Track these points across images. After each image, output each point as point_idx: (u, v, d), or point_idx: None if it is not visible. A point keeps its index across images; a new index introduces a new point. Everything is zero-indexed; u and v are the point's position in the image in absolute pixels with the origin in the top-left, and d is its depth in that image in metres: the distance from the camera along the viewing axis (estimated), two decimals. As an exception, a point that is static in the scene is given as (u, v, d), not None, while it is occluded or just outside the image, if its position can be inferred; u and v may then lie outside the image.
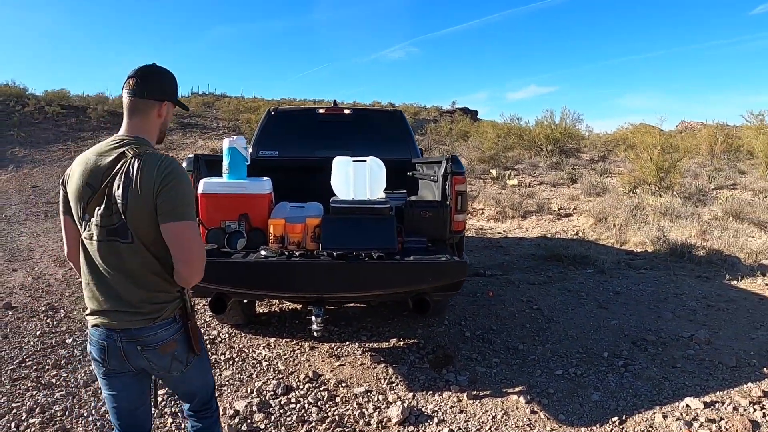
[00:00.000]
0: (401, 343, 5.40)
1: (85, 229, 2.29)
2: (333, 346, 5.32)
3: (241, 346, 5.38)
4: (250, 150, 6.55)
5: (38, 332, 5.71)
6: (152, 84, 2.36)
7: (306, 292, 4.28)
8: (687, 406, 4.14)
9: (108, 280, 2.28)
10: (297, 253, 4.19)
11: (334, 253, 4.11)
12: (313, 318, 4.29)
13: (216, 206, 4.46)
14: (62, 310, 6.40)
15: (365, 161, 4.77)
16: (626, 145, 20.50)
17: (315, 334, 4.31)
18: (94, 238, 2.25)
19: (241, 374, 4.78)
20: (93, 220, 2.24)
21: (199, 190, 4.46)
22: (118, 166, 2.21)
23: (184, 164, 4.87)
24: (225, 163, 4.60)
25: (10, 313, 6.32)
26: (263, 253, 4.21)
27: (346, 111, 7.12)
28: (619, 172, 17.55)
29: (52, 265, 8.47)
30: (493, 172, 17.52)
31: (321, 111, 7.11)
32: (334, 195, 4.83)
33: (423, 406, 4.21)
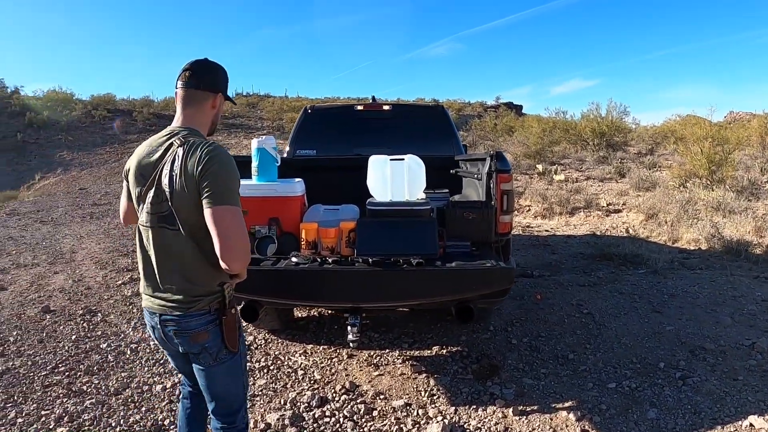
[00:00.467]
0: (444, 351, 5.11)
1: (140, 216, 2.42)
2: (372, 353, 5.06)
3: (276, 353, 5.17)
4: (287, 149, 6.34)
5: (74, 337, 5.63)
6: (208, 76, 2.47)
7: (340, 301, 4.01)
8: (750, 425, 3.76)
9: (154, 266, 2.39)
10: (330, 260, 3.91)
11: (370, 260, 3.81)
12: (349, 328, 4.01)
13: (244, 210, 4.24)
14: (99, 314, 6.31)
15: (403, 159, 4.45)
16: (675, 138, 19.71)
17: (351, 345, 4.04)
18: (147, 224, 2.37)
19: (276, 384, 4.57)
20: (145, 207, 2.36)
21: None
22: (166, 156, 2.31)
23: None
24: (254, 164, 4.36)
25: (48, 316, 6.27)
26: (294, 259, 3.95)
27: (386, 107, 6.82)
28: (669, 166, 16.86)
29: (93, 268, 8.43)
30: (540, 167, 17.00)
31: (359, 108, 6.83)
32: (371, 196, 4.54)
33: (465, 423, 3.91)
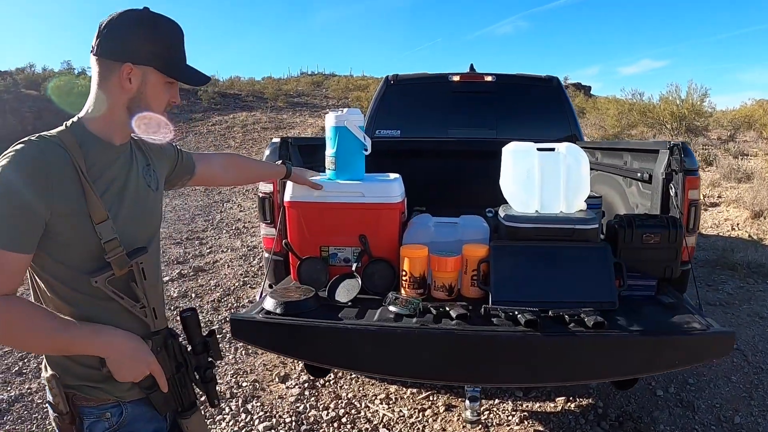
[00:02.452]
0: (571, 406, 3.54)
1: None
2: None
3: (349, 395, 3.67)
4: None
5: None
6: (112, 35, 1.40)
7: (468, 381, 2.39)
8: None
9: None
10: (452, 313, 2.24)
11: (518, 316, 2.19)
12: (467, 402, 2.45)
13: (313, 223, 2.65)
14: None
15: (555, 150, 2.75)
16: None
17: (468, 426, 2.46)
18: None
19: (352, 446, 3.10)
20: None
21: (286, 197, 2.69)
22: None
23: (267, 152, 3.08)
24: (329, 152, 2.70)
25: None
26: (393, 309, 2.31)
27: (488, 78, 5.16)
28: (755, 154, 14.94)
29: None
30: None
31: (455, 78, 5.18)
32: (504, 202, 2.88)
33: None
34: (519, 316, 2.13)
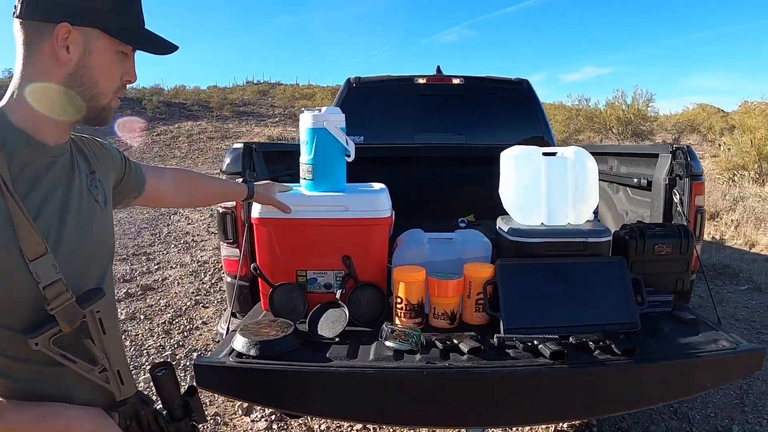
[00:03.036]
0: (563, 425, 3.25)
1: None
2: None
3: (323, 428, 3.28)
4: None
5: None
6: None
7: (485, 425, 2.04)
8: None
9: None
10: (462, 346, 1.86)
11: (540, 346, 1.83)
12: None
13: (287, 243, 2.24)
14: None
15: (559, 154, 2.41)
16: (726, 127, 17.91)
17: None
18: None
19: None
20: None
21: (254, 212, 2.25)
22: None
23: (227, 160, 2.65)
24: (304, 159, 2.29)
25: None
26: (389, 344, 1.90)
27: (456, 80, 4.86)
28: (702, 156, 15.29)
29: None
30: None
31: (421, 81, 4.86)
32: (503, 213, 2.55)
33: None
34: (541, 346, 1.81)
